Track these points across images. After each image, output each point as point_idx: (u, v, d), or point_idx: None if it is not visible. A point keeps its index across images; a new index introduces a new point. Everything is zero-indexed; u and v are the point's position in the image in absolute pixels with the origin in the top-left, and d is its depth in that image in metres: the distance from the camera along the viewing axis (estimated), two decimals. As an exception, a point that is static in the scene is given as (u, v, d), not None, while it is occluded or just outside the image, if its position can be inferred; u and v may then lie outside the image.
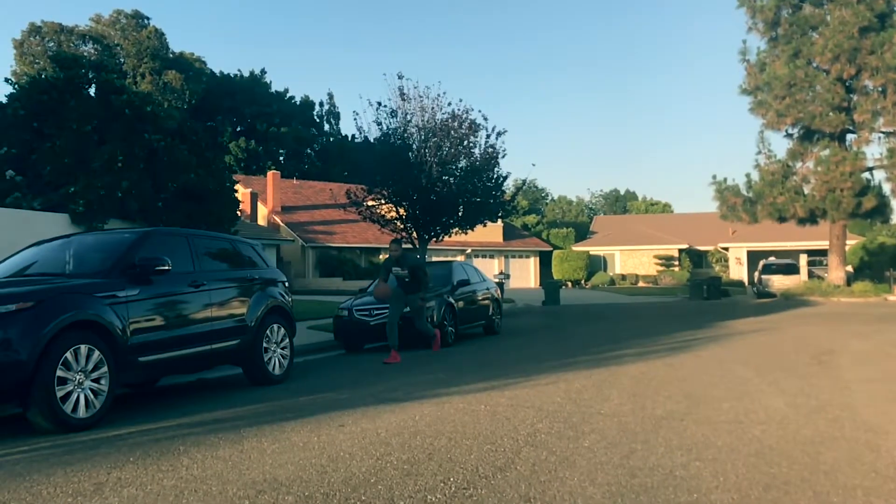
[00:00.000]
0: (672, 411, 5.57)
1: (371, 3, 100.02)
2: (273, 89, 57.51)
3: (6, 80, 15.35)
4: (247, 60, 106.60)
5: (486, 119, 22.12)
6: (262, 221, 37.97)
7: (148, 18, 51.33)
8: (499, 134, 21.94)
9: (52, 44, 47.59)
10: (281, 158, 53.90)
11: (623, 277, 47.79)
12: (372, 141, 22.24)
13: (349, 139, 54.93)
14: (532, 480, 3.75)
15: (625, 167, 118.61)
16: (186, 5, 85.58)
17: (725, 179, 30.62)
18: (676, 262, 48.47)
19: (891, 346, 10.70)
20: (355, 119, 44.71)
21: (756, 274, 34.17)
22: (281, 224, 37.62)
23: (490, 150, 21.78)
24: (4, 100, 13.57)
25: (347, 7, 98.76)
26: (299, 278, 33.83)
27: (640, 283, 46.60)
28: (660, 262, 48.36)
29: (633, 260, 49.63)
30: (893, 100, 26.00)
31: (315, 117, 59.50)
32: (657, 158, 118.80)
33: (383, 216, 22.40)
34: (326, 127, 60.59)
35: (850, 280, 29.42)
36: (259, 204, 38.62)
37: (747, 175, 29.86)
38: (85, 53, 46.59)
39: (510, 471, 3.94)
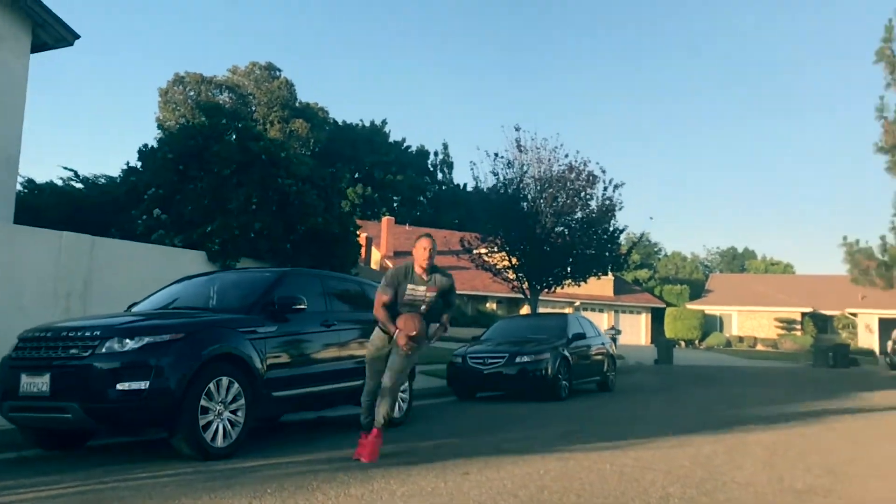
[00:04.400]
0: (813, 486, 5.25)
1: (489, 58, 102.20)
2: (391, 139, 59.39)
3: (158, 126, 16.65)
4: (367, 111, 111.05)
5: (603, 171, 22.11)
6: (374, 266, 38.94)
7: (280, 70, 54.50)
8: (616, 186, 21.83)
9: (192, 93, 51.25)
10: (395, 205, 55.31)
11: (740, 339, 45.65)
12: (485, 191, 22.57)
13: (461, 188, 55.84)
14: (672, 547, 3.62)
15: (744, 225, 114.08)
16: (314, 58, 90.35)
17: (857, 241, 28.78)
18: (799, 326, 45.87)
19: None
20: (472, 169, 45.38)
21: (889, 343, 31.65)
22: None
23: (607, 202, 21.65)
24: (155, 144, 14.73)
25: (466, 63, 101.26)
26: (408, 323, 34.32)
27: (759, 347, 44.33)
28: (781, 325, 45.92)
29: (751, 321, 47.36)
30: None
31: (429, 166, 60.86)
32: (778, 216, 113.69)
33: (495, 265, 22.55)
34: (440, 175, 61.80)
35: None
36: (373, 248, 39.73)
37: (882, 237, 27.94)
38: (221, 101, 49.89)
39: (647, 535, 3.83)
